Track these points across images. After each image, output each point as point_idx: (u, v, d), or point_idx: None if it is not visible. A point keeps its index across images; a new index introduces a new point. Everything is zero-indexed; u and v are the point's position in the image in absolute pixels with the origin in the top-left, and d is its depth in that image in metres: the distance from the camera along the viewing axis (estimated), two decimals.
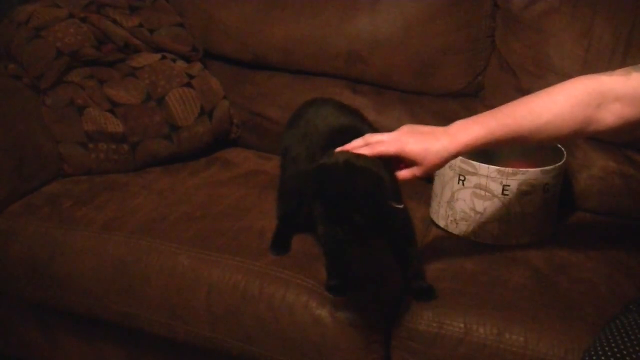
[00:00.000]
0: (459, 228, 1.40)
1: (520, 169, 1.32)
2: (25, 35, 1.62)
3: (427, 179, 1.43)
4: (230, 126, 1.82)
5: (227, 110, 1.80)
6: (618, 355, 0.91)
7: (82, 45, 1.63)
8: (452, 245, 1.39)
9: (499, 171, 1.32)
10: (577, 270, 1.29)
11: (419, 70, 1.68)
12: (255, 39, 1.79)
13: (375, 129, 1.19)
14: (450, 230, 1.42)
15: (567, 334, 1.12)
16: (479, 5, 1.64)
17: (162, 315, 1.32)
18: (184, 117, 1.69)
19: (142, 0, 1.82)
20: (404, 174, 1.05)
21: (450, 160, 1.05)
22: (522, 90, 1.52)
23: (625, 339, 0.94)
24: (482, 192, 1.34)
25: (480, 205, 1.36)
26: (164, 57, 1.74)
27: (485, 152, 1.31)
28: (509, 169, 1.32)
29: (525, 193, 1.33)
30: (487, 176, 1.33)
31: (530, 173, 1.32)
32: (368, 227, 0.96)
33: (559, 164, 1.36)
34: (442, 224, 1.44)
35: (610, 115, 1.01)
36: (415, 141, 1.02)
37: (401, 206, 1.01)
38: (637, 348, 0.91)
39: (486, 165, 1.32)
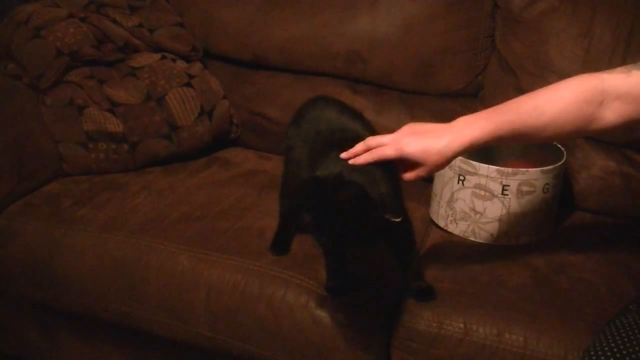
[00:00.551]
0: (459, 228, 1.40)
1: (520, 169, 1.32)
2: (25, 35, 1.62)
3: (427, 178, 1.43)
4: (230, 126, 1.82)
5: (226, 110, 1.80)
6: (618, 355, 0.91)
7: (82, 45, 1.63)
8: (451, 245, 1.39)
9: (498, 171, 1.32)
10: (577, 270, 1.29)
11: (418, 70, 1.68)
12: (255, 38, 1.79)
13: (375, 131, 1.18)
14: (450, 230, 1.42)
15: (566, 334, 1.12)
16: (479, 5, 1.64)
17: (161, 315, 1.32)
18: (184, 117, 1.69)
19: (142, 0, 1.82)
20: (408, 175, 1.05)
21: (454, 159, 1.04)
22: (522, 90, 1.51)
23: (625, 339, 0.94)
24: (482, 192, 1.34)
25: (480, 205, 1.36)
26: (163, 57, 1.74)
27: (485, 152, 1.31)
28: (509, 169, 1.32)
29: (525, 193, 1.33)
30: (487, 176, 1.33)
31: (530, 173, 1.32)
32: (351, 238, 1.00)
33: (559, 164, 1.36)
34: (442, 224, 1.44)
35: (612, 113, 1.01)
36: (416, 142, 1.02)
37: (398, 219, 1.02)
38: (636, 348, 0.91)
39: (486, 165, 1.32)
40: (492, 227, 1.37)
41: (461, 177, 1.36)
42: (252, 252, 1.31)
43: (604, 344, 0.94)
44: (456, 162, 1.35)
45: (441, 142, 1.01)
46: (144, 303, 1.33)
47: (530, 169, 1.33)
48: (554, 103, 1.01)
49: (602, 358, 0.92)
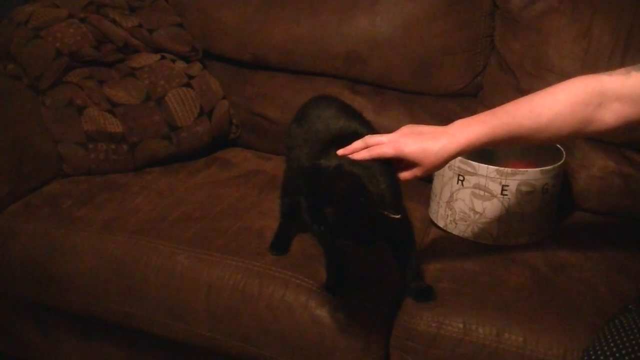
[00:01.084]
0: (458, 228, 1.40)
1: (520, 169, 1.32)
2: (25, 35, 1.62)
3: (427, 178, 1.43)
4: (230, 126, 1.82)
5: (226, 110, 1.80)
6: (617, 355, 0.91)
7: (82, 46, 1.63)
8: (451, 245, 1.39)
9: (498, 171, 1.32)
10: (577, 270, 1.29)
11: (418, 70, 1.68)
12: (255, 39, 1.79)
13: (375, 131, 1.19)
14: (449, 231, 1.42)
15: (566, 334, 1.12)
16: (478, 5, 1.64)
17: (161, 315, 1.32)
18: (184, 117, 1.69)
19: (141, 0, 1.82)
20: (405, 175, 1.06)
21: (451, 160, 1.05)
22: (522, 91, 1.52)
23: (625, 339, 0.94)
24: (482, 192, 1.34)
25: (479, 206, 1.36)
26: (163, 58, 1.74)
27: (484, 152, 1.31)
28: (508, 169, 1.32)
29: (524, 193, 1.33)
30: (486, 176, 1.33)
31: (529, 173, 1.32)
32: (343, 229, 0.99)
33: (559, 164, 1.36)
34: (441, 224, 1.44)
35: (611, 115, 1.01)
36: (414, 142, 1.03)
37: (398, 216, 1.02)
38: (636, 348, 0.91)
39: (485, 166, 1.32)
40: (492, 227, 1.37)
41: (460, 177, 1.36)
42: (251, 252, 1.31)
43: (604, 344, 0.94)
44: (455, 162, 1.35)
45: (438, 143, 1.02)
46: (143, 303, 1.33)
47: (529, 169, 1.33)
48: (550, 106, 1.02)
49: (602, 358, 0.92)
